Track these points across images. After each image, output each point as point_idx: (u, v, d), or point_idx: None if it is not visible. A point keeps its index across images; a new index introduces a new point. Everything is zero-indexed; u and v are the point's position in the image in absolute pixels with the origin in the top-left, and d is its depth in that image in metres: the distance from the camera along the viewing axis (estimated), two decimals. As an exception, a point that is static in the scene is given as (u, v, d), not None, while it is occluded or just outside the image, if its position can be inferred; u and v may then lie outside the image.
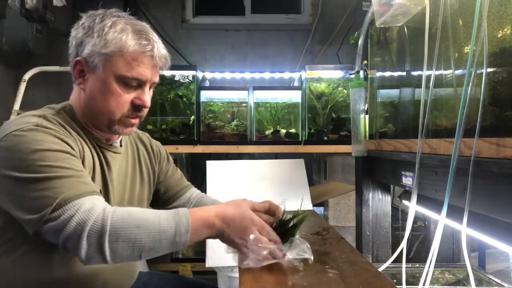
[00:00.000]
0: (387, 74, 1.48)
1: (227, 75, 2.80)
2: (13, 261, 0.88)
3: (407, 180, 1.17)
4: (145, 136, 1.21)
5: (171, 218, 0.81)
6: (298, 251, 0.90)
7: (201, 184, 1.89)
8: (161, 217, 0.81)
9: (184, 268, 2.49)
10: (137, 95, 0.95)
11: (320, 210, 2.54)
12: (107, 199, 0.98)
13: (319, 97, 2.27)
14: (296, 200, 1.89)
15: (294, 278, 0.85)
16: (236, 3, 3.33)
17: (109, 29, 0.90)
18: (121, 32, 0.90)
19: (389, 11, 1.13)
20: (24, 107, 2.16)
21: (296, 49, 3.22)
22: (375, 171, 1.53)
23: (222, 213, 0.86)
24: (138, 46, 0.91)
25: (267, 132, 2.29)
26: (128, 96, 0.94)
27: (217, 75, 2.77)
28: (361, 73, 1.54)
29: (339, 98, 2.26)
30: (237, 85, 2.84)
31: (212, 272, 2.11)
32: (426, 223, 1.98)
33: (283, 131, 2.29)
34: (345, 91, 2.24)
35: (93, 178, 0.94)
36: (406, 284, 1.19)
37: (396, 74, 1.39)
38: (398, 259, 1.18)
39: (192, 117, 2.25)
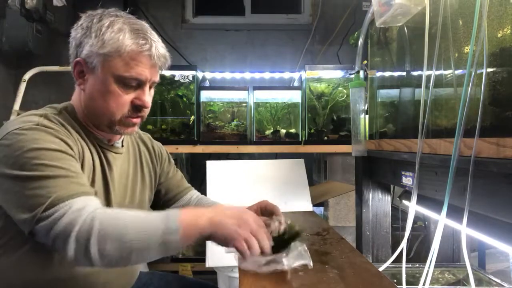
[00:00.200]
0: (387, 74, 1.48)
1: (227, 75, 2.80)
2: (14, 261, 0.88)
3: (407, 180, 1.17)
4: (147, 136, 1.21)
5: (160, 216, 0.79)
6: (297, 258, 0.88)
7: (201, 184, 1.89)
8: (150, 216, 0.79)
9: (184, 268, 2.49)
10: (137, 95, 0.94)
11: (320, 210, 2.54)
12: (108, 199, 0.98)
13: (319, 97, 2.27)
14: (296, 200, 1.90)
15: (294, 278, 0.85)
16: (236, 3, 3.34)
17: (106, 29, 0.90)
18: (119, 32, 0.89)
19: (389, 11, 1.13)
20: (24, 107, 2.16)
21: (296, 49, 3.22)
22: (375, 171, 1.53)
23: (215, 206, 0.86)
24: (135, 45, 0.90)
25: (267, 132, 2.29)
26: (128, 97, 0.93)
27: (217, 75, 2.77)
28: (361, 73, 1.54)
29: (339, 98, 2.26)
30: (237, 85, 2.84)
31: (212, 272, 2.11)
32: (426, 223, 1.98)
33: (283, 131, 2.29)
34: (345, 91, 2.24)
35: (93, 179, 0.94)
36: (406, 284, 1.19)
37: (396, 74, 1.39)
38: (398, 259, 1.18)
39: (192, 117, 2.25)
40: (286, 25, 3.29)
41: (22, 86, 2.24)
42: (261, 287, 0.82)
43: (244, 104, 2.30)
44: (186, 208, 0.84)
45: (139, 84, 0.94)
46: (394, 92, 1.41)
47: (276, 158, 2.56)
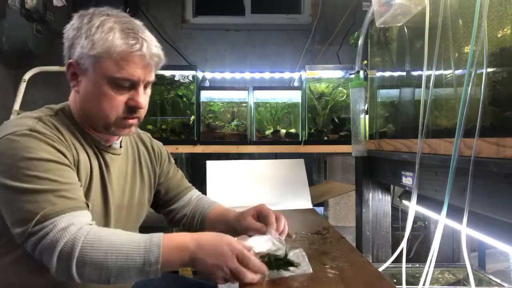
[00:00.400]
0: (387, 74, 1.48)
1: (227, 75, 2.80)
2: (11, 263, 0.88)
3: (407, 180, 1.17)
4: (146, 136, 1.19)
5: (142, 246, 0.78)
6: (300, 267, 0.85)
7: (201, 184, 1.89)
8: (132, 244, 0.79)
9: (184, 268, 2.49)
10: (131, 96, 0.92)
11: (320, 210, 2.54)
12: (106, 202, 0.97)
13: (319, 97, 2.27)
14: (296, 200, 1.90)
15: (294, 278, 0.85)
16: (236, 3, 3.33)
17: (96, 29, 0.87)
18: (108, 32, 0.87)
19: (389, 11, 1.13)
20: (24, 107, 2.16)
21: (296, 49, 3.22)
22: (375, 171, 1.53)
23: (197, 237, 0.83)
24: (125, 46, 0.87)
25: (267, 132, 2.29)
26: (122, 98, 0.91)
27: (217, 75, 2.77)
28: (361, 73, 1.54)
29: (339, 98, 2.26)
30: (237, 85, 2.84)
31: (212, 272, 2.10)
32: (426, 223, 1.98)
33: (283, 131, 2.29)
34: (345, 91, 2.24)
35: (90, 182, 0.93)
36: (406, 284, 1.19)
37: (396, 74, 1.39)
38: (398, 259, 1.18)
39: (192, 117, 2.25)
40: (286, 25, 3.29)
41: (22, 86, 2.24)
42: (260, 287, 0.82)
43: (244, 104, 2.30)
44: (169, 236, 0.82)
45: (133, 85, 0.91)
46: (394, 92, 1.41)
47: (276, 158, 2.55)
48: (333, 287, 0.82)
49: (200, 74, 2.37)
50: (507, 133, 0.71)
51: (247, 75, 2.81)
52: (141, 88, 0.93)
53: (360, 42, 1.47)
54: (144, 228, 1.11)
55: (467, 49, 0.89)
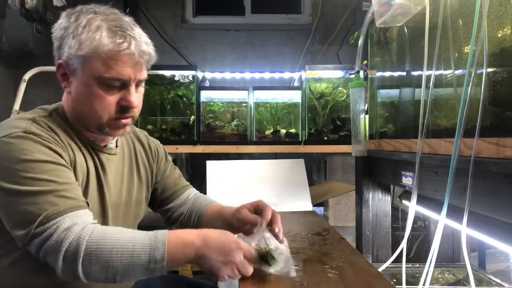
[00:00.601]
0: (387, 74, 1.48)
1: (227, 75, 2.80)
2: (9, 265, 0.87)
3: (407, 180, 1.17)
4: (143, 134, 1.17)
5: (147, 243, 0.78)
6: (282, 267, 0.86)
7: (201, 184, 1.89)
8: (137, 242, 0.78)
9: (184, 268, 2.49)
10: (123, 96, 0.90)
11: (320, 210, 2.54)
12: (103, 202, 0.96)
13: (319, 97, 2.27)
14: (296, 200, 1.90)
15: (294, 278, 0.85)
16: (236, 3, 3.33)
17: (83, 29, 0.85)
18: (96, 31, 0.84)
19: (389, 11, 1.13)
20: (24, 107, 2.16)
21: (296, 49, 3.22)
22: (375, 171, 1.53)
23: (203, 234, 0.82)
24: (113, 45, 0.84)
25: (267, 132, 2.29)
26: (113, 98, 0.89)
27: (217, 75, 2.77)
28: (361, 73, 1.54)
29: (339, 98, 2.26)
30: (237, 85, 2.84)
31: (212, 272, 2.10)
32: (426, 223, 1.98)
33: (283, 131, 2.29)
34: (345, 91, 2.24)
35: (87, 183, 0.93)
36: (406, 284, 1.19)
37: (396, 74, 1.39)
38: (398, 259, 1.18)
39: (192, 117, 2.25)
40: (286, 25, 3.29)
41: (22, 86, 2.24)
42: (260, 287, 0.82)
43: (244, 104, 2.30)
44: (174, 232, 0.82)
45: (124, 84, 0.89)
46: (394, 92, 1.41)
47: (276, 158, 2.55)
48: (333, 286, 0.82)
49: (200, 74, 2.37)
50: (507, 133, 0.71)
51: (247, 75, 2.81)
52: (132, 87, 0.90)
53: (360, 42, 1.47)
54: (143, 228, 1.11)
55: (467, 49, 0.89)
